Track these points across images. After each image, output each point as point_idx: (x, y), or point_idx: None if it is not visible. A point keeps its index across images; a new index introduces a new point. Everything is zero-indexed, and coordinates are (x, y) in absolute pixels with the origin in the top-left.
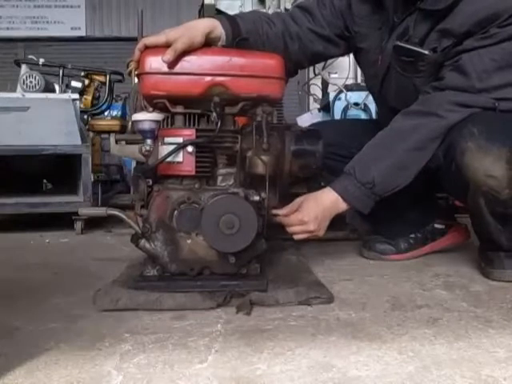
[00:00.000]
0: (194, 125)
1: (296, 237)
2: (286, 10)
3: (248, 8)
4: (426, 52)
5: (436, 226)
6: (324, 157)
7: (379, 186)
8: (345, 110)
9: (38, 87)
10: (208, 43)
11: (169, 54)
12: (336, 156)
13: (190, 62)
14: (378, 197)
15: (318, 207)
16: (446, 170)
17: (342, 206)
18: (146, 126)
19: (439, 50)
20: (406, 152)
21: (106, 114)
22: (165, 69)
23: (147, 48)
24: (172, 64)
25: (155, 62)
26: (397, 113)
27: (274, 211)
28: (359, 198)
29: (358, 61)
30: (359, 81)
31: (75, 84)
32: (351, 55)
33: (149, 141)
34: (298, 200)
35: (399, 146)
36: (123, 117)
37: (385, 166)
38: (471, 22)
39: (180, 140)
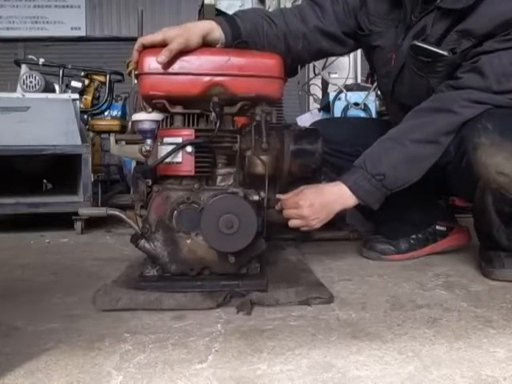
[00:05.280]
0: (193, 125)
1: (290, 223)
2: None
3: (248, 8)
4: (446, 53)
5: (438, 227)
6: (328, 154)
7: (390, 179)
8: (345, 110)
9: (38, 87)
10: (206, 45)
11: (163, 55)
12: (340, 153)
13: (189, 62)
14: (389, 191)
15: (317, 195)
16: (457, 165)
17: (350, 200)
18: (146, 125)
19: (459, 52)
20: (417, 144)
21: (106, 114)
22: (163, 69)
23: (145, 48)
24: (167, 64)
25: (154, 63)
26: (408, 111)
27: (278, 195)
28: (369, 192)
29: (370, 59)
30: (359, 81)
31: (75, 84)
32: (352, 55)
33: (149, 141)
34: (303, 187)
35: (411, 138)
36: (123, 117)
37: (396, 158)
38: (494, 24)
39: (179, 140)
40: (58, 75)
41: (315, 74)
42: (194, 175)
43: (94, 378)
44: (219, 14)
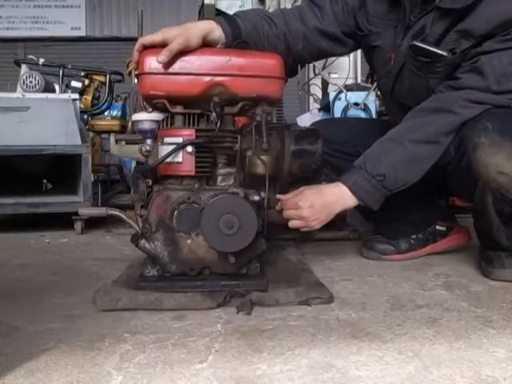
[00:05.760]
0: (193, 125)
1: (290, 223)
2: None
3: (248, 8)
4: (445, 53)
5: (438, 227)
6: (328, 154)
7: (390, 179)
8: (345, 110)
9: (38, 87)
10: (206, 46)
11: (163, 55)
12: (340, 154)
13: (190, 62)
14: (389, 191)
15: (317, 196)
16: (456, 165)
17: (351, 201)
18: (146, 125)
19: (458, 52)
20: (417, 145)
21: (106, 113)
22: (164, 69)
23: (145, 48)
24: (167, 64)
25: (154, 62)
26: (408, 111)
27: (278, 196)
28: (369, 192)
29: (369, 59)
30: (359, 81)
31: (75, 84)
32: (352, 55)
33: (149, 141)
34: (303, 187)
35: (411, 139)
36: (123, 117)
37: (396, 159)
38: (493, 24)
39: (180, 140)
40: (58, 75)
41: (315, 74)
42: (195, 175)
43: (94, 378)
44: (219, 14)
